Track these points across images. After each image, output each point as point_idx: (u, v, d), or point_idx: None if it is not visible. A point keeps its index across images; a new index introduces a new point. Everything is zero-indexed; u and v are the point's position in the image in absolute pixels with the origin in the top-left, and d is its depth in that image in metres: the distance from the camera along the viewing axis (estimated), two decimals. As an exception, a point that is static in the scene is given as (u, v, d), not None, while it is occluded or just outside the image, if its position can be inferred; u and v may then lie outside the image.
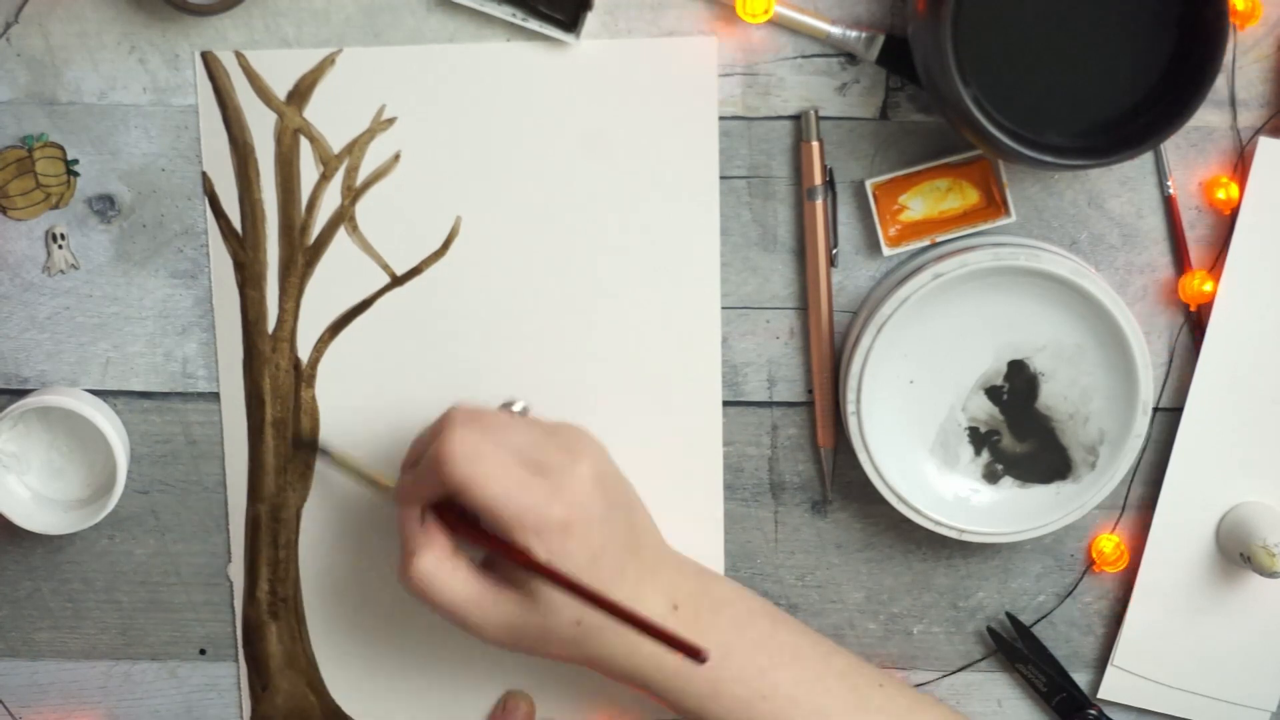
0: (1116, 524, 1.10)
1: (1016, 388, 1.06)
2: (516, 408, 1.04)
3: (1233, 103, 1.04)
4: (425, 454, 0.97)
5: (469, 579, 0.97)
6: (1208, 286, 1.05)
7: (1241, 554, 1.07)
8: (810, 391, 1.09)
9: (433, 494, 0.97)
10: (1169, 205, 1.06)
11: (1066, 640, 1.13)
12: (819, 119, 1.04)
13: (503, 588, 0.97)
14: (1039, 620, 1.12)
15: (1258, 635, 1.11)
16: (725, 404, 1.09)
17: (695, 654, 0.92)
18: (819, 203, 1.05)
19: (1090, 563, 1.11)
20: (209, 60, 1.04)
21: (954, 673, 1.13)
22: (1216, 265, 1.06)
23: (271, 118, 1.05)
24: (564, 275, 1.07)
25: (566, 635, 0.97)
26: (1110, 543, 1.10)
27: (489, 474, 0.94)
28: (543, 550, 0.94)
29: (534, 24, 1.02)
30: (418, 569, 0.96)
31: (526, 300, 1.07)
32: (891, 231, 1.06)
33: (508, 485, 0.94)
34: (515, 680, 1.12)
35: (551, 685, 1.13)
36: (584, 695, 1.13)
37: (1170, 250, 1.07)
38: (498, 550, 0.96)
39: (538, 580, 0.95)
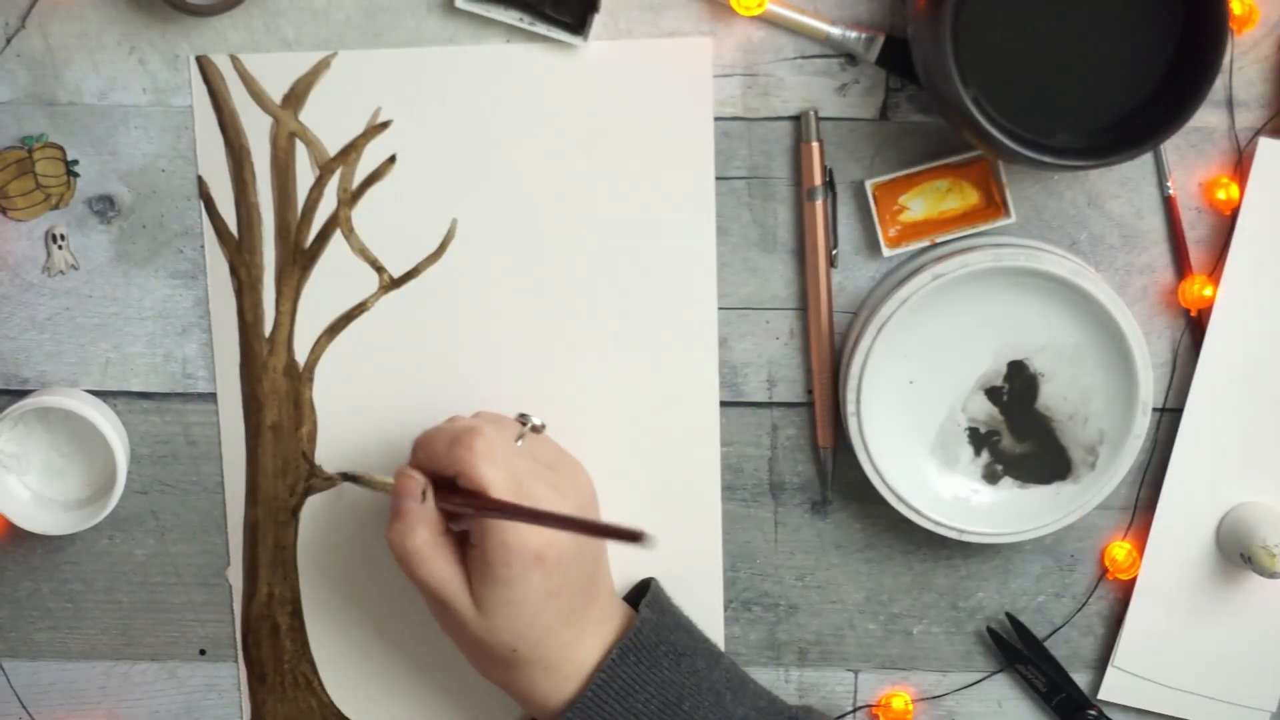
0: (1128, 531, 1.10)
1: (1016, 388, 1.06)
2: (534, 422, 1.04)
3: (1232, 103, 1.04)
4: (447, 435, 1.00)
5: (451, 561, 1.00)
6: (1208, 291, 1.05)
7: (1242, 554, 1.06)
8: (810, 392, 1.09)
9: (437, 467, 1.00)
10: (1169, 206, 1.06)
11: (1066, 640, 1.12)
12: (819, 119, 1.04)
13: (471, 586, 1.00)
14: (1056, 630, 1.12)
15: (1258, 635, 1.10)
16: (725, 404, 1.09)
17: (634, 538, 0.89)
18: (819, 203, 1.05)
19: (1104, 571, 1.11)
20: (204, 64, 1.04)
21: (954, 673, 1.13)
22: (1216, 269, 1.06)
23: (267, 121, 1.04)
24: (561, 277, 1.07)
25: (499, 655, 1.00)
26: (1122, 550, 1.10)
27: (494, 482, 0.97)
28: (506, 572, 0.97)
29: (541, 28, 1.02)
30: (413, 537, 0.99)
31: (523, 302, 1.07)
32: (891, 232, 1.06)
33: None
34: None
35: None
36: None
37: (1170, 251, 1.06)
38: (471, 510, 0.99)
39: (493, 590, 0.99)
